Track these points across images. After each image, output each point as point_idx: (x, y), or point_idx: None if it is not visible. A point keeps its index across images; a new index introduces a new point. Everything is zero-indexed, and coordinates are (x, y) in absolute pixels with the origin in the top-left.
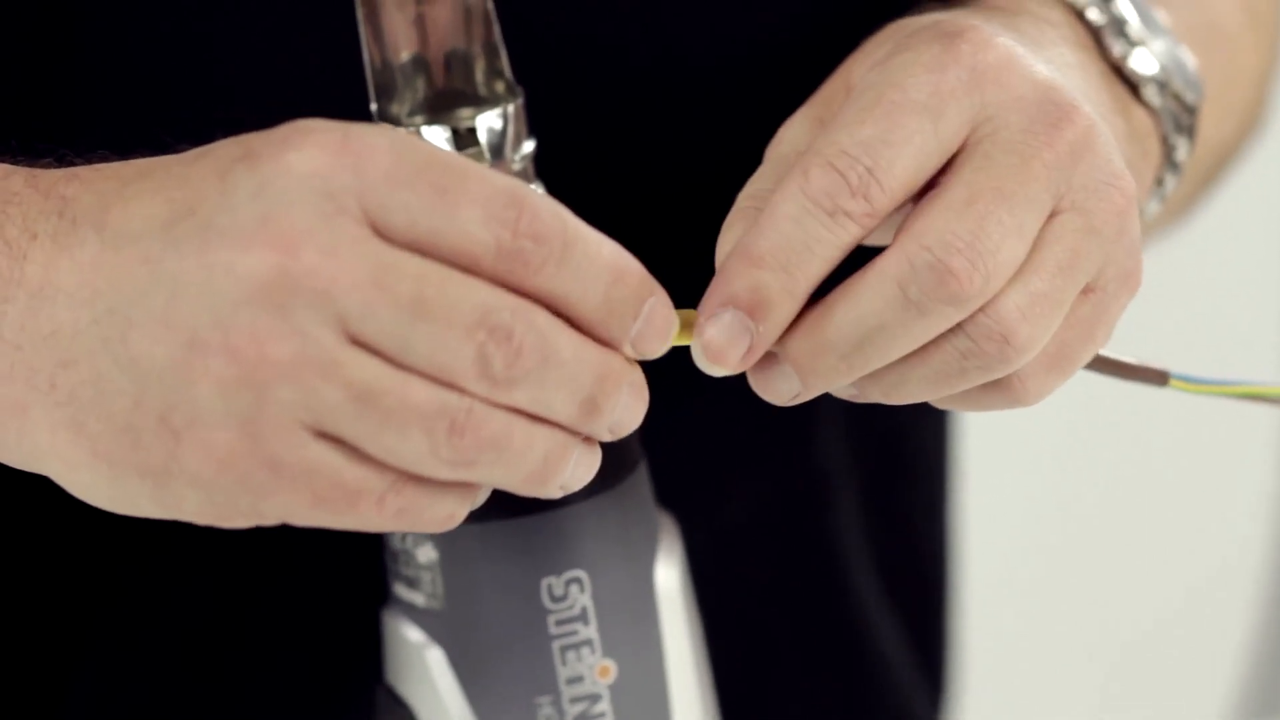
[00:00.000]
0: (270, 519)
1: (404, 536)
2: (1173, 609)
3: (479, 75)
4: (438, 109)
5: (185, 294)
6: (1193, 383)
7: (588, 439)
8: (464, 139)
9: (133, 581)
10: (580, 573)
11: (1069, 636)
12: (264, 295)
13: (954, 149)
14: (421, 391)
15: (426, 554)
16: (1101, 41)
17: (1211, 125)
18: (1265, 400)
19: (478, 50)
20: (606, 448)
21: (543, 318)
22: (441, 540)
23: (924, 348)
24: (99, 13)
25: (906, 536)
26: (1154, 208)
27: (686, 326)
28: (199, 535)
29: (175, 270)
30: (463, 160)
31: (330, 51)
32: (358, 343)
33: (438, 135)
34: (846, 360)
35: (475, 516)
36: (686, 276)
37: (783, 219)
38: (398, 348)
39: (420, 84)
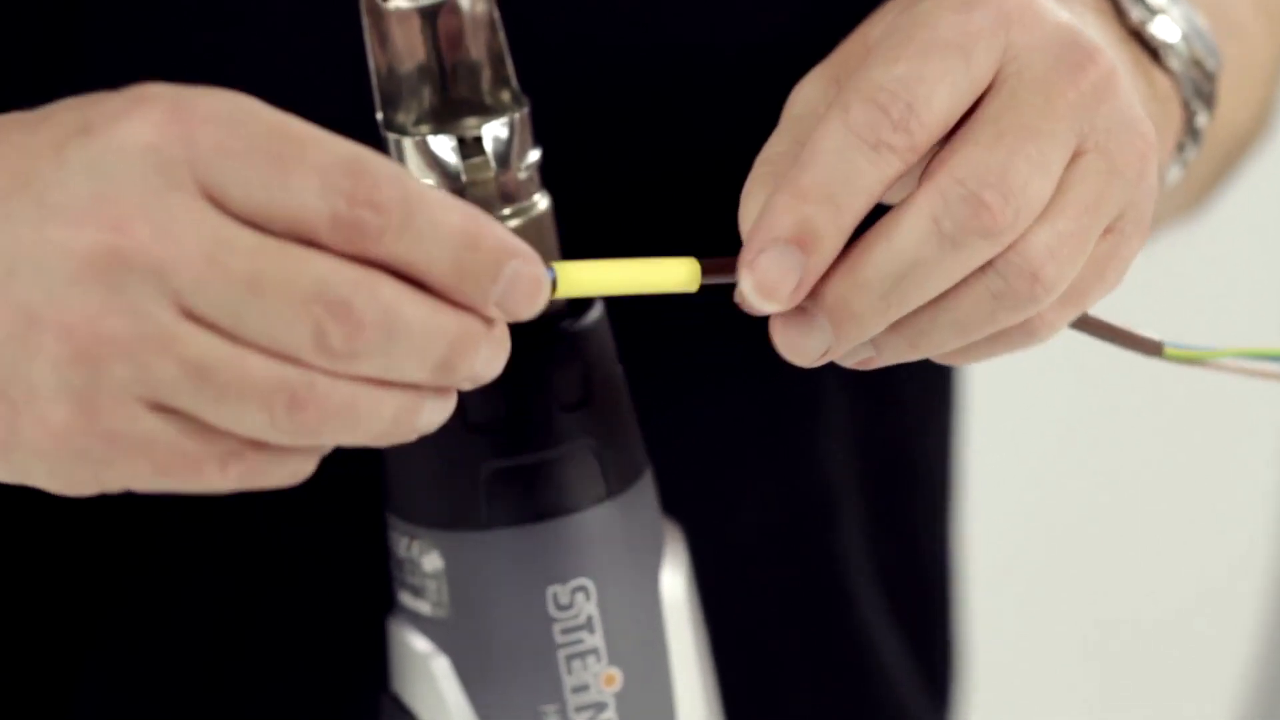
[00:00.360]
0: (115, 487)
1: (409, 545)
2: (1180, 619)
3: (485, 84)
4: (444, 118)
5: (21, 270)
6: (1188, 350)
7: (444, 391)
8: (470, 148)
9: (137, 589)
10: (586, 581)
11: (1074, 647)
12: (97, 273)
13: (983, 88)
14: (258, 366)
15: (432, 562)
16: (1120, 7)
17: (1228, 110)
18: (1263, 360)
19: (484, 59)
20: (612, 455)
21: (388, 288)
22: (447, 548)
23: (954, 290)
24: (104, 22)
25: (910, 547)
26: (1175, 174)
27: (714, 271)
28: (203, 543)
29: (10, 246)
30: (303, 127)
31: (336, 58)
32: (193, 318)
33: (443, 144)
34: (883, 299)
35: (481, 524)
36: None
37: (826, 153)
38: (233, 323)
39: (426, 93)
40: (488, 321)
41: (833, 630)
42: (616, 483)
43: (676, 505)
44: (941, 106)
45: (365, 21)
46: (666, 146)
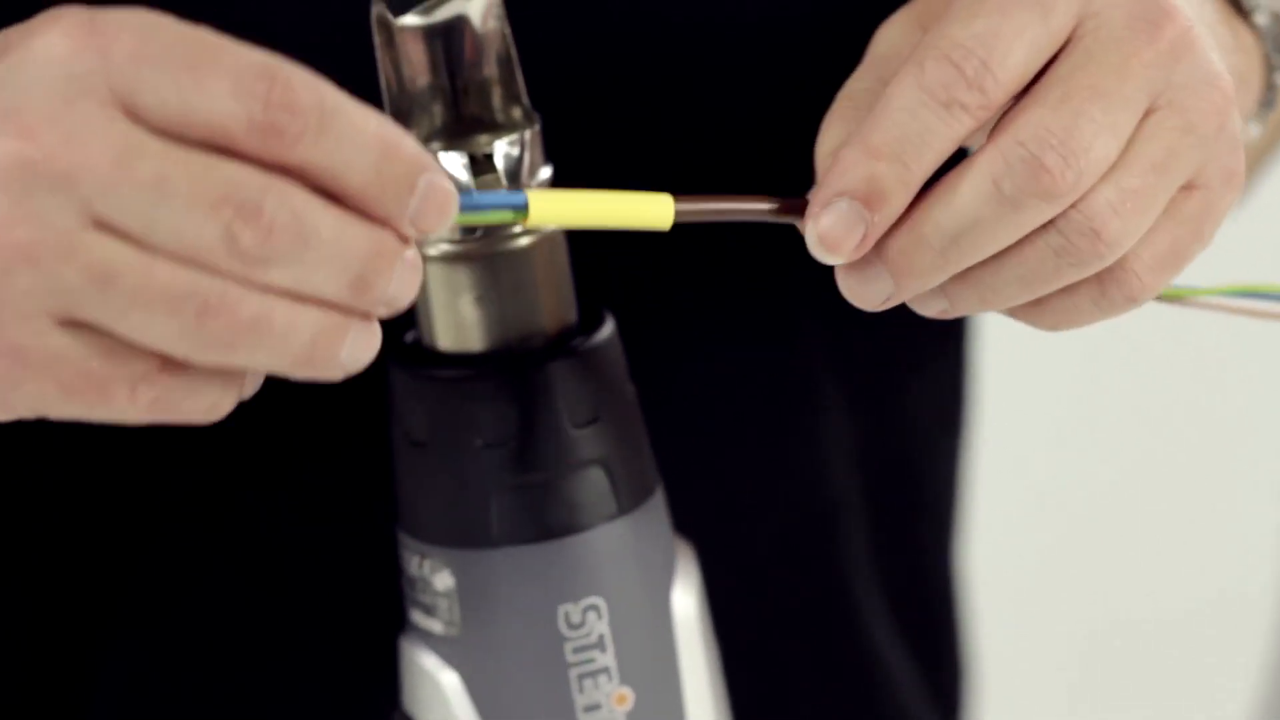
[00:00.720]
0: (23, 410)
1: (421, 563)
2: (1191, 634)
3: (496, 101)
4: (455, 135)
5: None
6: (1175, 289)
7: (365, 315)
8: (481, 165)
9: (147, 614)
10: (598, 599)
11: (1082, 654)
12: (4, 182)
13: (1060, 44)
14: (167, 271)
15: (443, 581)
16: None
17: None
18: (1255, 298)
19: (495, 76)
20: (623, 473)
21: (300, 196)
22: (458, 567)
23: (1017, 245)
24: None
25: (916, 562)
26: (1255, 131)
27: (689, 209)
28: (214, 565)
29: None
30: (215, 37)
31: (343, 64)
32: (104, 226)
33: (455, 161)
34: (942, 255)
35: (492, 542)
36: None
37: (898, 111)
38: (143, 229)
39: (437, 110)
40: (402, 240)
41: (840, 644)
42: (628, 500)
43: (687, 523)
44: (1017, 64)
45: (376, 38)
46: (679, 126)
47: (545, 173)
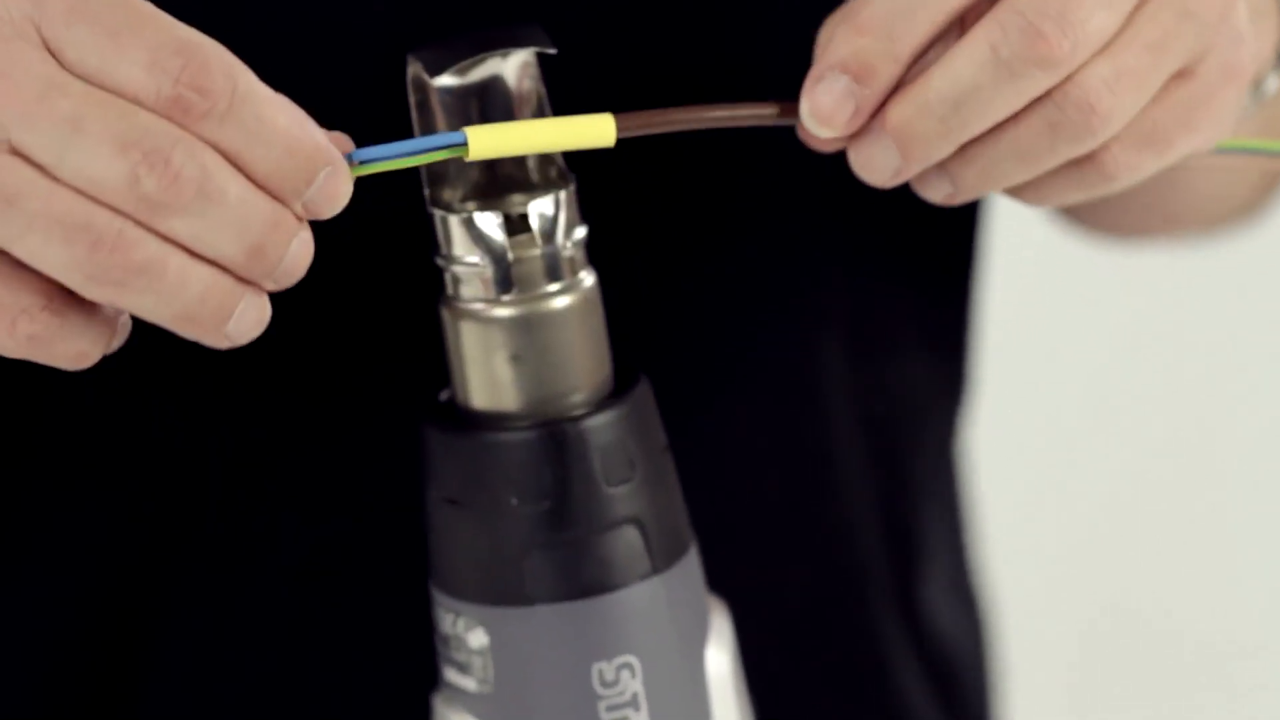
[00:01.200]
0: None
1: (455, 621)
2: (1218, 678)
3: (531, 161)
4: (490, 194)
5: None
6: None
7: (256, 287)
8: (515, 224)
9: (180, 664)
10: (631, 658)
11: (1094, 666)
12: None
13: None
14: (69, 200)
15: (477, 639)
16: None
17: None
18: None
19: None
20: (657, 531)
21: (210, 156)
22: (492, 625)
23: (1014, 119)
24: None
25: (938, 623)
26: (1275, 83)
27: (631, 124)
28: (246, 619)
29: None
30: (154, 10)
31: (343, 58)
32: (17, 155)
33: (489, 221)
34: (943, 122)
35: (526, 600)
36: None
37: None
38: (53, 161)
39: (473, 170)
40: (299, 219)
41: (871, 700)
42: (662, 559)
43: (719, 579)
44: None
45: (412, 97)
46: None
47: (580, 232)
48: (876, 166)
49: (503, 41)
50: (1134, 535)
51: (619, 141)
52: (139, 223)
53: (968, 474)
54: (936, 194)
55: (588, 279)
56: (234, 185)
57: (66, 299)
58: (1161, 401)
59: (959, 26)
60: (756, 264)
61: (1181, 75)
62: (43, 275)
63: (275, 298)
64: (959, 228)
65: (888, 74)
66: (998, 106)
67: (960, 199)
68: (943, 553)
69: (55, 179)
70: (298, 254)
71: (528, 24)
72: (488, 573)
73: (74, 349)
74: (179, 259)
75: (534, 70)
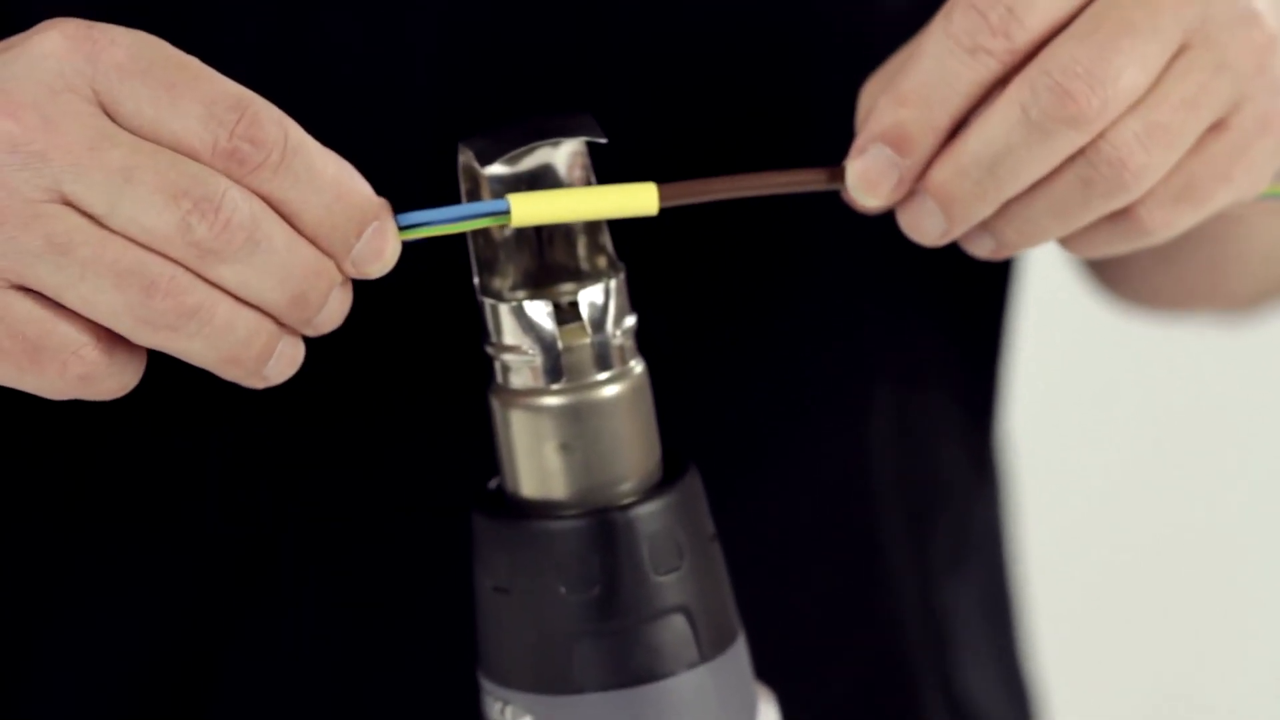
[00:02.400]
0: None
1: (503, 709)
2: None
3: (581, 250)
4: (540, 283)
5: None
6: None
7: (292, 332)
8: (565, 313)
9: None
10: None
11: None
12: None
13: None
14: (120, 248)
15: None
16: None
17: None
18: None
19: (580, 225)
20: (705, 620)
21: (258, 204)
22: (540, 712)
23: (1049, 177)
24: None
25: (985, 712)
26: None
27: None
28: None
29: None
30: (203, 67)
31: (391, 142)
32: (69, 204)
33: (539, 310)
34: (980, 185)
35: (573, 688)
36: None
37: (926, 58)
38: (105, 210)
39: (523, 258)
40: (340, 270)
41: None
42: (710, 648)
43: (769, 669)
44: (1044, 9)
45: (462, 185)
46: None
47: (630, 321)
48: (924, 229)
49: (553, 130)
50: (1190, 620)
51: (668, 231)
52: (189, 269)
53: (1013, 558)
54: (981, 250)
55: (637, 367)
56: (281, 234)
57: (112, 337)
58: (1220, 479)
59: (1001, 85)
60: (805, 354)
61: (1217, 127)
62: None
63: (330, 380)
64: (998, 308)
65: (928, 144)
66: (1032, 166)
67: (1003, 254)
68: (987, 640)
69: (107, 228)
70: (336, 305)
71: (579, 112)
72: (536, 660)
73: (118, 383)
74: (227, 304)
75: (584, 159)
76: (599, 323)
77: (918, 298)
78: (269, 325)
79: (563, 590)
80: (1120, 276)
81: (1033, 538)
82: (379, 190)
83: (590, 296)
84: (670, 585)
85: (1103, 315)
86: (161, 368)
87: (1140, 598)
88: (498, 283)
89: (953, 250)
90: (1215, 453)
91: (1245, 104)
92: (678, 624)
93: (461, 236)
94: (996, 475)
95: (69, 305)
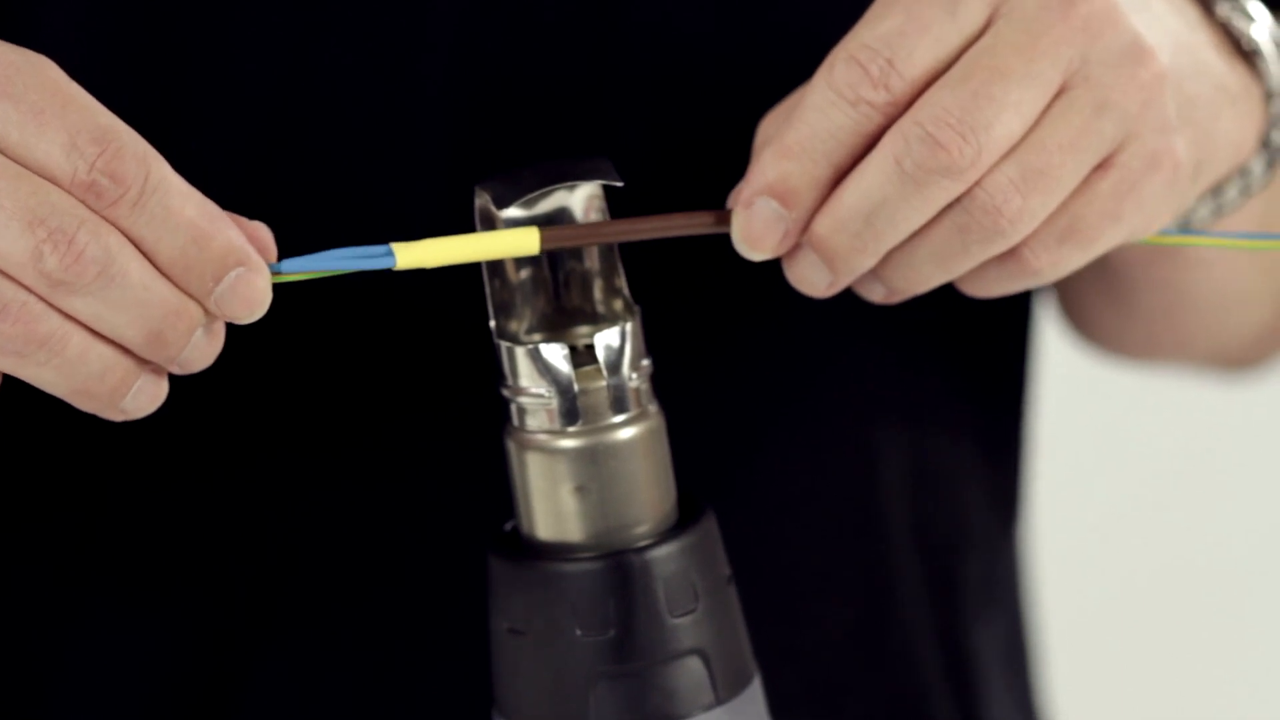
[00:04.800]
0: None
1: None
2: None
3: (597, 293)
4: (556, 326)
5: None
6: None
7: (155, 368)
8: (581, 356)
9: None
10: None
11: None
12: None
13: (973, 35)
14: None
15: None
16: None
17: None
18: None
19: (596, 269)
20: (721, 662)
21: (115, 239)
22: None
23: (927, 225)
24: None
25: None
26: (1259, 168)
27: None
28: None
29: None
30: (80, 94)
31: (405, 184)
32: None
33: (555, 352)
34: (859, 238)
35: None
36: None
37: (809, 110)
38: None
39: (539, 302)
40: (206, 311)
41: None
42: (725, 690)
43: (784, 712)
44: (924, 60)
45: (478, 228)
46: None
47: (646, 363)
48: (810, 281)
49: (570, 174)
50: (1208, 665)
51: (681, 274)
52: (41, 298)
53: (1028, 595)
54: (873, 295)
55: (653, 409)
56: (136, 270)
57: None
58: (1242, 523)
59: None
60: (816, 394)
61: (1103, 166)
62: None
63: (348, 417)
64: (1014, 347)
65: (812, 196)
66: (909, 217)
67: (895, 299)
68: (1008, 683)
69: None
70: (202, 345)
71: (596, 156)
72: (551, 703)
73: None
74: (80, 337)
75: (600, 203)
76: (615, 365)
77: (929, 336)
78: (126, 361)
79: (578, 632)
80: (1085, 324)
81: (1051, 582)
82: (391, 230)
83: (606, 339)
84: (686, 627)
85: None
86: (191, 392)
87: (1158, 641)
88: (514, 325)
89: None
90: (1237, 497)
91: (1131, 142)
92: (694, 666)
93: (478, 279)
94: (1019, 520)
95: None
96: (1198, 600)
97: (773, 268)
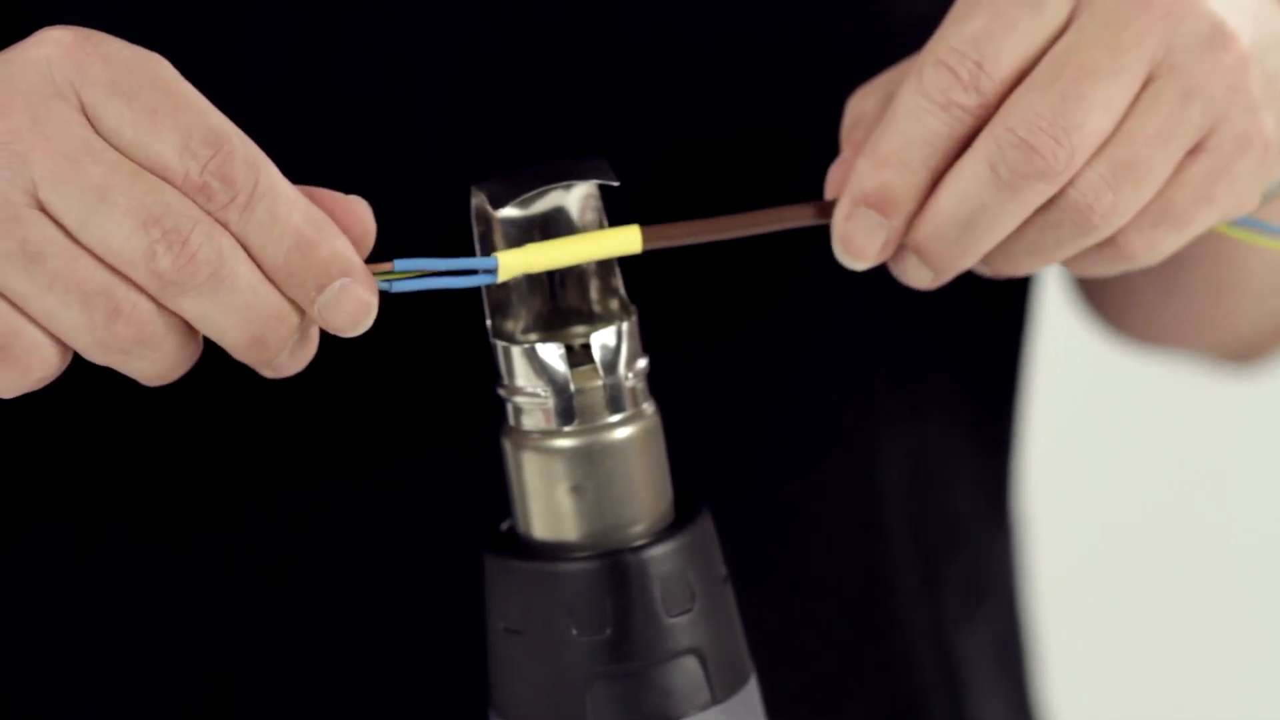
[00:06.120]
0: None
1: None
2: None
3: (594, 293)
4: (552, 325)
5: None
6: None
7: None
8: (577, 355)
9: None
10: None
11: None
12: None
13: (1059, 28)
14: (90, 267)
15: None
16: None
17: None
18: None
19: (592, 268)
20: (717, 662)
21: (228, 241)
22: None
23: (1021, 225)
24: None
25: None
26: None
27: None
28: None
29: None
30: (192, 94)
31: (406, 186)
32: (45, 211)
33: (551, 352)
34: (959, 244)
35: None
36: None
37: (902, 117)
38: (78, 224)
39: (535, 301)
40: (307, 316)
41: None
42: (721, 689)
43: (781, 711)
44: (1011, 59)
45: (475, 228)
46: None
47: (642, 363)
48: (915, 279)
49: (566, 174)
50: (1205, 666)
51: (677, 272)
52: (151, 297)
53: (1027, 600)
54: (986, 270)
55: (649, 409)
56: (245, 273)
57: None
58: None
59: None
60: (814, 393)
61: (1194, 150)
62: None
63: (343, 428)
64: (1012, 345)
65: (911, 204)
66: (1005, 220)
67: (1000, 277)
68: (1001, 683)
69: (78, 242)
70: (298, 353)
71: (592, 156)
72: (548, 702)
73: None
74: (183, 336)
75: (596, 202)
76: (611, 365)
77: (927, 335)
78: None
79: (575, 632)
80: (1120, 310)
81: (1046, 579)
82: (393, 230)
83: (602, 339)
84: (682, 627)
85: (1121, 352)
86: (191, 392)
87: (1154, 642)
88: (510, 325)
89: (962, 286)
90: (1235, 492)
91: (1221, 125)
92: (690, 666)
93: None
94: (1012, 516)
95: (32, 315)
96: (1195, 597)
97: (770, 268)
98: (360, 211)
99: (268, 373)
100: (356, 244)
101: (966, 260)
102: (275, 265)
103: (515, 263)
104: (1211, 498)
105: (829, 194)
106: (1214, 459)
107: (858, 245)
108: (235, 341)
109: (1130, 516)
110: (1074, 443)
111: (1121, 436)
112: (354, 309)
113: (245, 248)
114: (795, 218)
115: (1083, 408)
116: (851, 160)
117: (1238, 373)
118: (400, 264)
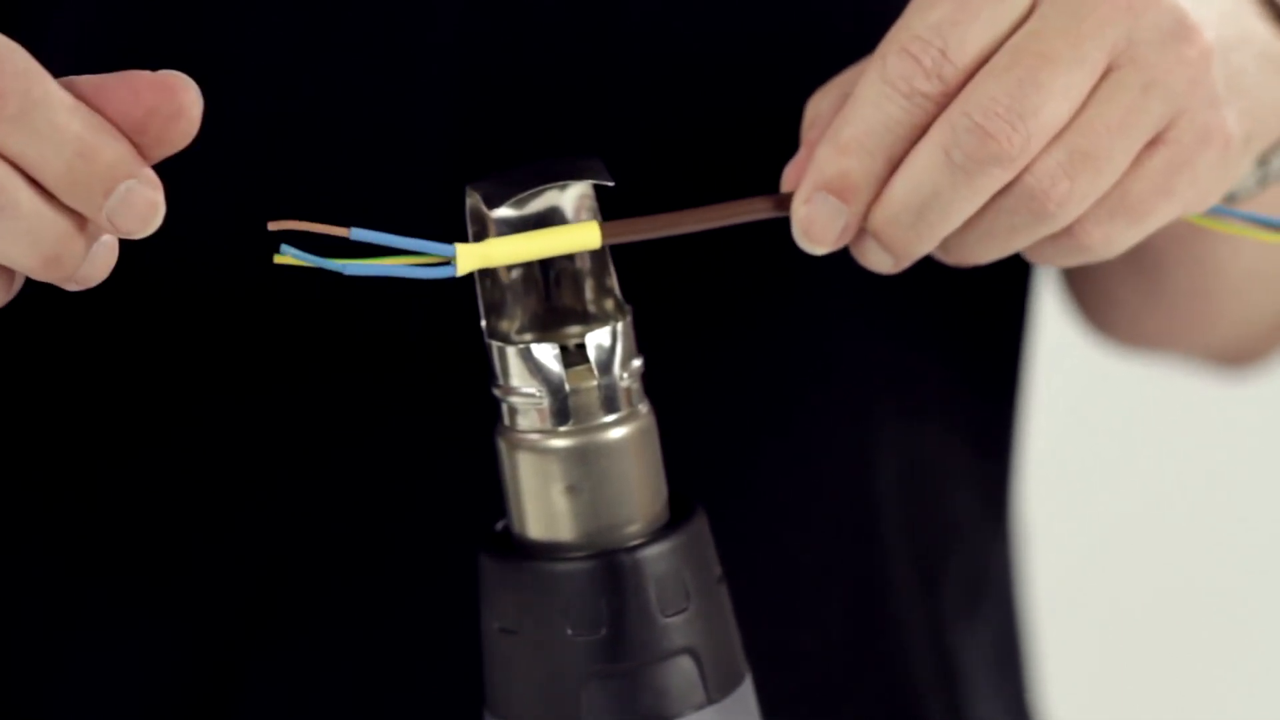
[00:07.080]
0: None
1: None
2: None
3: (588, 293)
4: (547, 326)
5: None
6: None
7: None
8: (572, 355)
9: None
10: None
11: None
12: None
13: (1022, 15)
14: None
15: None
16: None
17: None
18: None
19: (587, 269)
20: (712, 662)
21: (3, 170)
22: None
23: (977, 211)
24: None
25: None
26: None
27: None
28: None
29: None
30: None
31: (402, 184)
32: None
33: (546, 352)
34: (914, 229)
35: None
36: None
37: (863, 104)
38: None
39: (530, 301)
40: (97, 226)
41: None
42: (716, 689)
43: (776, 712)
44: (975, 47)
45: (470, 228)
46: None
47: (637, 363)
48: (876, 264)
49: (561, 173)
50: (1200, 653)
51: (671, 272)
52: None
53: (1025, 602)
54: (950, 258)
55: (644, 409)
56: (26, 199)
57: None
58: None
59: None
60: (809, 392)
61: (1154, 142)
62: None
63: (338, 428)
64: (1010, 344)
65: (870, 190)
66: (960, 206)
67: (964, 264)
68: (999, 686)
69: None
70: (97, 261)
71: (587, 156)
72: (543, 702)
73: None
74: None
75: (591, 202)
76: (606, 365)
77: (924, 336)
78: (19, 276)
79: (570, 632)
80: (1104, 314)
81: (1044, 580)
82: (392, 229)
83: (597, 339)
84: (677, 627)
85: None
86: (186, 394)
87: (1152, 643)
88: (505, 325)
89: (961, 286)
90: (1233, 493)
91: (1181, 118)
92: (685, 665)
93: (470, 279)
94: (1011, 518)
95: None
96: (1194, 598)
97: (766, 267)
98: (174, 84)
99: (72, 287)
100: (175, 120)
101: (924, 245)
102: (58, 175)
103: (474, 254)
104: (1211, 499)
105: (785, 190)
106: (1213, 461)
107: (817, 231)
108: (30, 266)
109: (1129, 517)
110: (1073, 444)
111: (1121, 438)
112: (143, 209)
113: (22, 161)
114: (755, 210)
115: (1082, 409)
116: (806, 160)
117: (1231, 376)
118: (356, 233)
